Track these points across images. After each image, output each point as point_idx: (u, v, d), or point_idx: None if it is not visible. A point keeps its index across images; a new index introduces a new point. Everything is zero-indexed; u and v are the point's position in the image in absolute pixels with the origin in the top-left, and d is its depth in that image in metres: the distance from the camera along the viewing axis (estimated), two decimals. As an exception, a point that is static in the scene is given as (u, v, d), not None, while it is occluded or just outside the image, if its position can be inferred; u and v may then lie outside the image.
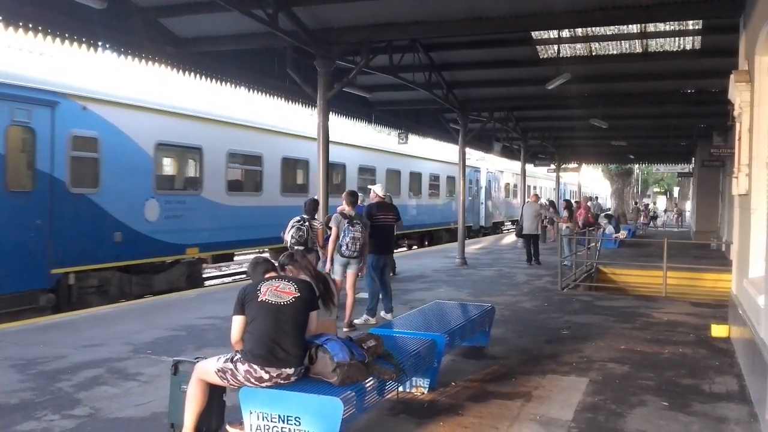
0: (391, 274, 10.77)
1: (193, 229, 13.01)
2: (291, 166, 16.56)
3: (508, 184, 36.64)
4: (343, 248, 8.17)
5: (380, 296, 8.88)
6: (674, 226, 41.43)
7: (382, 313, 8.79)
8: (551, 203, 22.16)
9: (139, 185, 11.78)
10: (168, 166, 13.72)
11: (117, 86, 11.91)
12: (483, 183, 31.19)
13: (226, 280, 17.12)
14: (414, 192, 23.32)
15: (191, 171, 13.87)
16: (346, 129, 19.71)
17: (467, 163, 27.66)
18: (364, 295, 9.08)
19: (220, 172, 13.78)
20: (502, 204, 35.46)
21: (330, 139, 16.76)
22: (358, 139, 20.03)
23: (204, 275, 16.15)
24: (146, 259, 12.06)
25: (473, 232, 29.61)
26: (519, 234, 17.30)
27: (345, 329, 8.02)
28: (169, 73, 10.58)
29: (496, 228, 33.94)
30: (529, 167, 27.44)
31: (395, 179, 22.00)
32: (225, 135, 13.98)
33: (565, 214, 18.17)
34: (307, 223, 8.93)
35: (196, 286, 13.18)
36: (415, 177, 23.70)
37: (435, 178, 25.67)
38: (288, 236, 8.90)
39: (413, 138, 20.90)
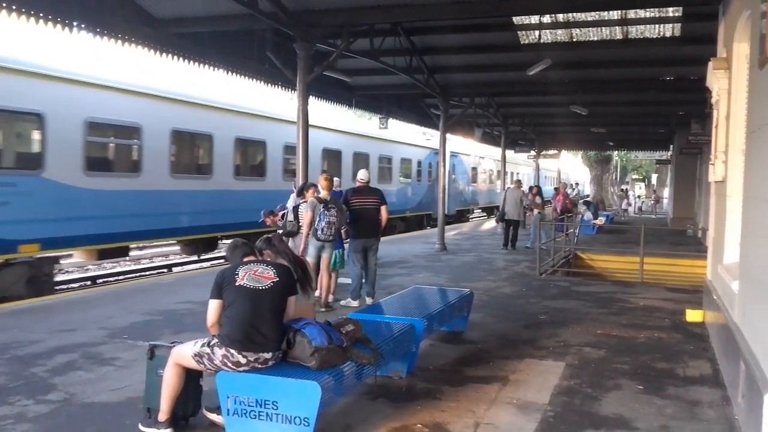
0: None
1: (29, 220, 10.23)
2: (187, 141, 13.97)
3: (476, 168, 33.96)
4: (319, 232, 8.26)
5: (363, 280, 8.95)
6: (651, 212, 41.92)
7: (364, 298, 8.85)
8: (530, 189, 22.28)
9: None
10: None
11: None
12: (447, 166, 28.37)
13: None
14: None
15: (26, 145, 10.95)
16: (272, 99, 17.34)
17: (427, 144, 27.09)
18: (348, 280, 9.14)
19: (74, 146, 10.97)
20: (469, 190, 32.50)
21: (249, 112, 14.88)
22: (285, 112, 16.71)
23: (67, 277, 14.17)
24: None
25: (434, 221, 25.40)
26: (501, 219, 17.39)
27: (322, 309, 8.16)
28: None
29: (461, 216, 30.91)
30: (499, 152, 26.90)
31: (335, 162, 19.26)
32: (82, 99, 11.11)
33: (538, 200, 18.34)
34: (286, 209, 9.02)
35: (44, 292, 10.56)
36: (361, 158, 21.00)
37: (387, 161, 23.15)
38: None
39: (356, 115, 18.96)
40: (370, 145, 21.85)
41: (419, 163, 26.52)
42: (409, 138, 25.95)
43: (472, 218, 33.52)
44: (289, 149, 16.55)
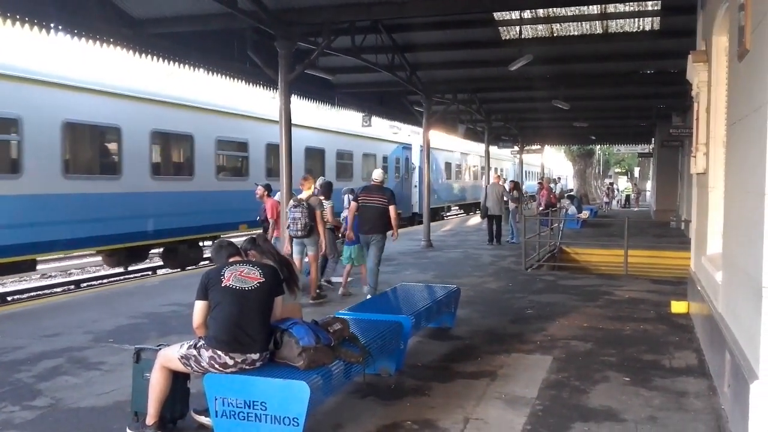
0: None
1: None
2: (86, 135, 12.10)
3: (450, 164, 32.03)
4: (288, 228, 8.92)
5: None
6: (633, 205, 42.35)
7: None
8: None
9: None
10: None
11: None
12: (416, 162, 26.58)
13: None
14: (314, 174, 16.43)
15: None
16: (202, 86, 15.77)
17: (394, 138, 26.55)
18: (338, 279, 9.87)
19: None
20: (442, 187, 30.40)
21: (169, 101, 13.77)
22: (219, 102, 15.42)
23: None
24: None
25: (404, 221, 24.81)
26: (484, 215, 17.48)
27: (310, 301, 8.63)
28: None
29: (434, 214, 27.60)
30: (478, 146, 26.80)
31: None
32: None
33: (515, 194, 18.44)
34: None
35: None
36: (315, 155, 19.16)
37: (348, 156, 21.40)
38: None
39: (313, 107, 16.49)
40: (326, 140, 19.83)
41: (385, 159, 24.81)
42: (372, 132, 23.63)
43: (448, 216, 31.77)
44: (223, 144, 15.17)
